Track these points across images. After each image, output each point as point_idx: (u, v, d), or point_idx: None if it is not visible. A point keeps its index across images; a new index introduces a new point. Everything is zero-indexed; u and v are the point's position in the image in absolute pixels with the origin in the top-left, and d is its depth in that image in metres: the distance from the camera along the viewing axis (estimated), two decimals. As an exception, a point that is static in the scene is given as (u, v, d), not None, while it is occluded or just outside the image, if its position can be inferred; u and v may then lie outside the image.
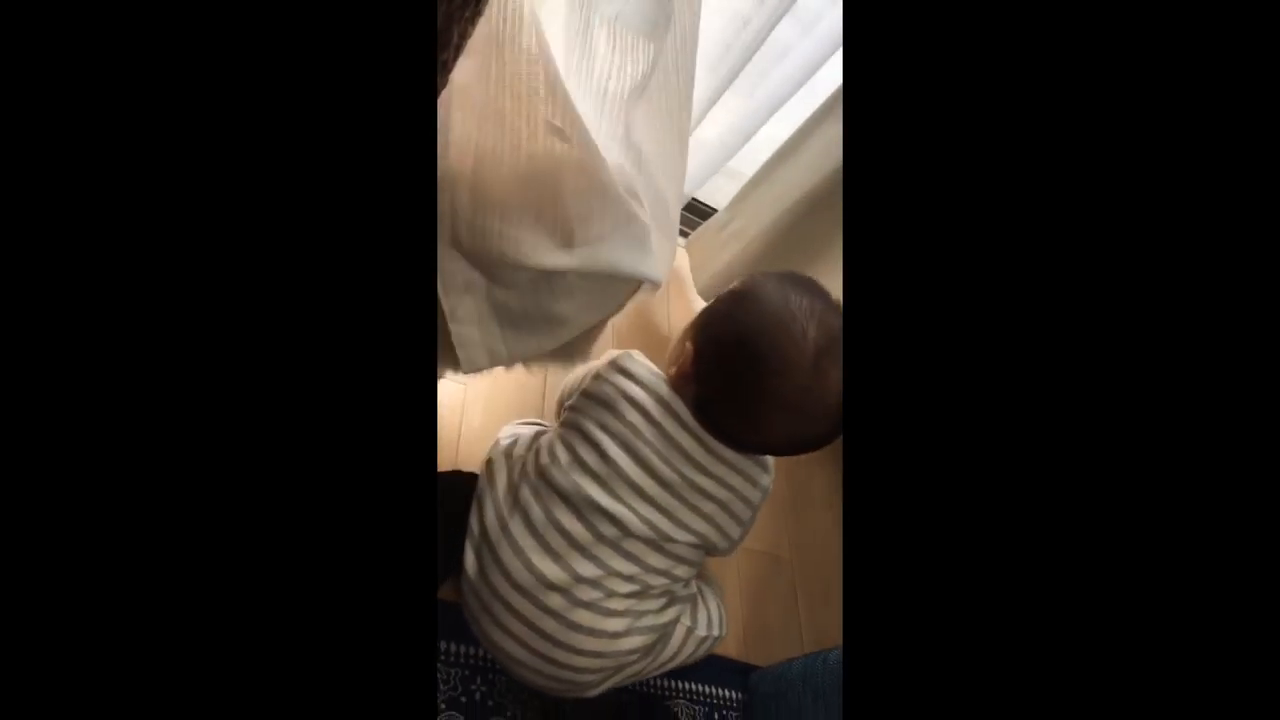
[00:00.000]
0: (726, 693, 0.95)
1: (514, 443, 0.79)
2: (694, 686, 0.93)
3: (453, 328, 0.58)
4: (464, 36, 0.42)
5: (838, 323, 0.64)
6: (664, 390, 0.72)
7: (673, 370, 0.73)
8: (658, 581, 0.72)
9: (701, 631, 0.80)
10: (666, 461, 0.70)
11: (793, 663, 0.91)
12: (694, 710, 0.91)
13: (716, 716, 0.93)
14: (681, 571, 0.74)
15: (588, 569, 0.69)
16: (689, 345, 0.71)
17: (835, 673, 0.83)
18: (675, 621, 0.77)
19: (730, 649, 0.98)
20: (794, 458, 0.74)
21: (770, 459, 0.77)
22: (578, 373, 0.85)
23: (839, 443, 0.69)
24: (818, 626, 1.09)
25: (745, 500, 0.73)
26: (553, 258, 0.53)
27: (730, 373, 0.67)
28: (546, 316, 0.63)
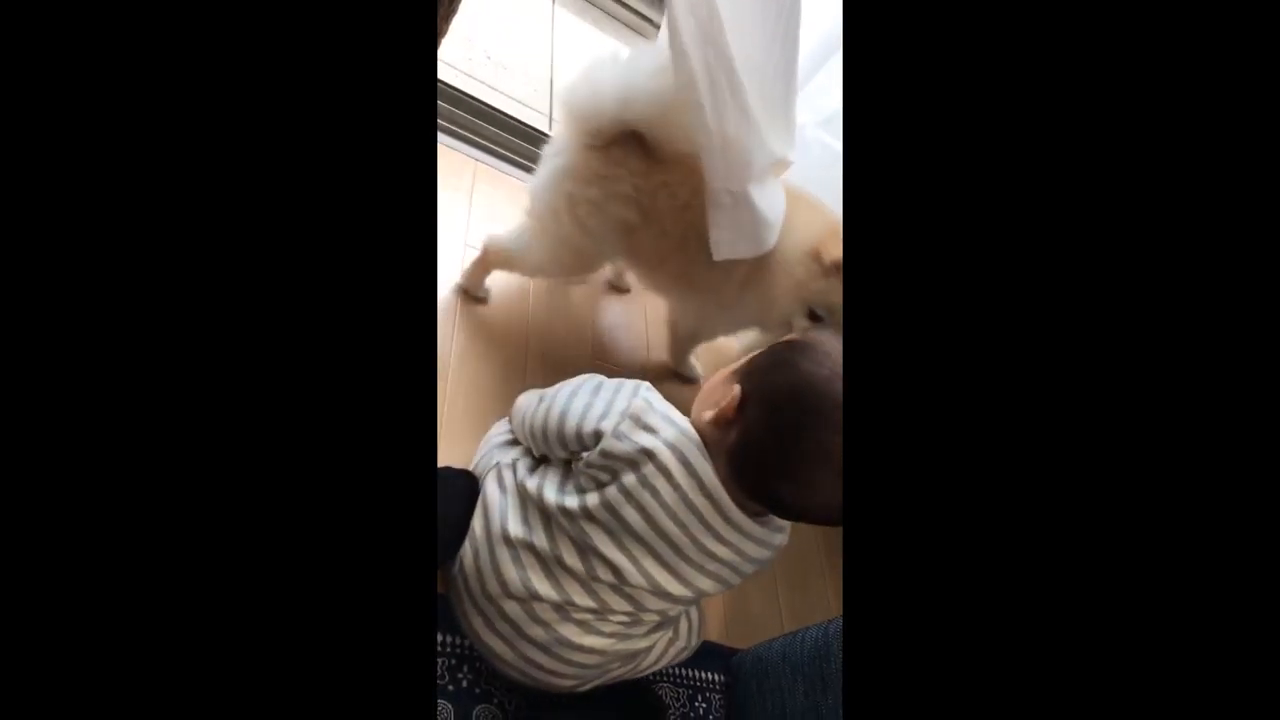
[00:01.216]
0: (709, 675, 0.97)
1: (519, 456, 0.79)
2: (677, 670, 0.95)
3: (712, 232, 0.88)
4: (440, 35, 0.43)
5: None
6: (690, 451, 0.67)
7: (709, 414, 0.68)
8: (651, 618, 0.73)
9: (681, 642, 0.83)
10: (681, 526, 0.67)
11: (773, 643, 0.93)
12: (678, 693, 0.93)
13: (700, 699, 0.95)
14: (675, 611, 0.75)
15: (584, 600, 0.70)
16: (736, 389, 0.67)
17: (813, 650, 0.85)
18: (663, 631, 0.79)
19: (712, 633, 1.01)
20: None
21: (786, 522, 0.72)
22: (530, 397, 0.81)
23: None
24: (796, 609, 1.11)
25: (754, 561, 0.71)
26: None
27: (782, 423, 0.62)
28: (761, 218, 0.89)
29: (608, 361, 1.21)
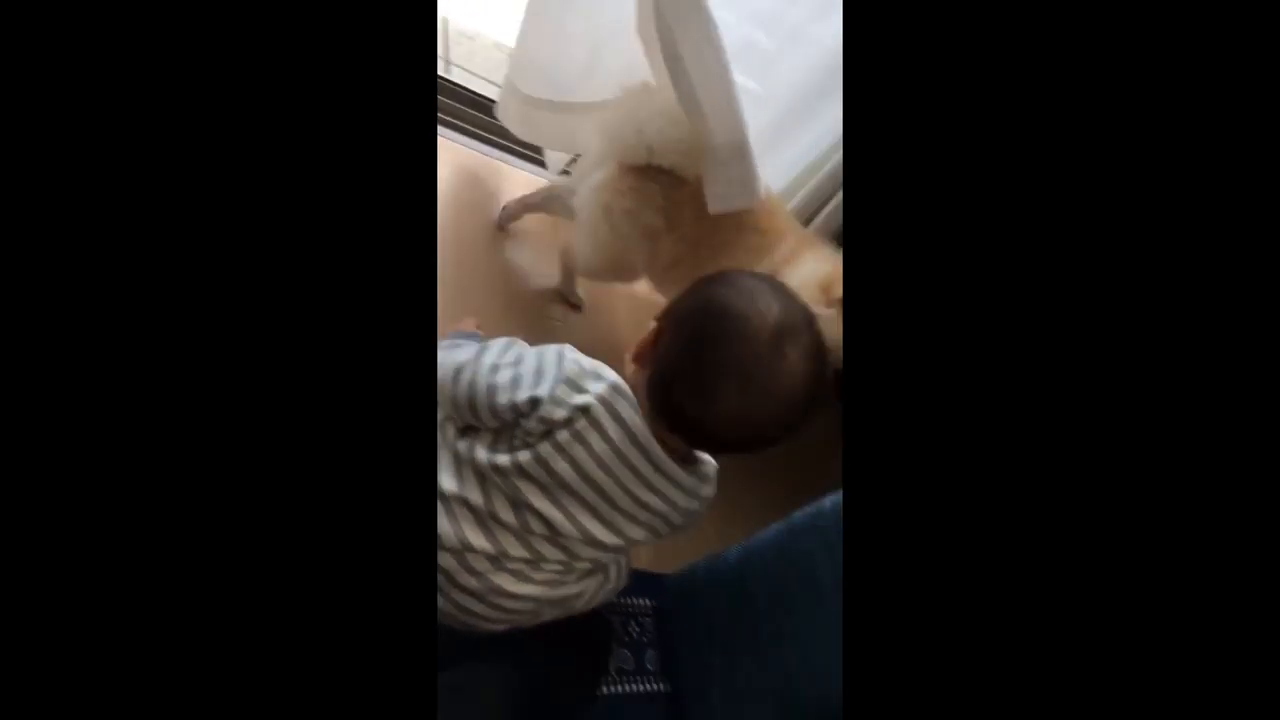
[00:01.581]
0: (640, 601, 1.02)
1: (444, 419, 0.78)
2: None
3: (708, 187, 1.00)
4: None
5: (805, 316, 0.64)
6: (619, 402, 0.69)
7: (633, 354, 0.71)
8: (583, 565, 0.75)
9: (611, 584, 0.85)
10: (613, 476, 0.68)
11: (697, 565, 0.98)
12: (612, 620, 0.97)
13: (632, 624, 0.99)
14: (608, 558, 0.77)
15: (518, 551, 0.71)
16: (655, 324, 0.70)
17: (735, 566, 0.90)
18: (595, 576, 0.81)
19: (641, 560, 1.05)
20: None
21: (713, 469, 0.76)
22: (443, 367, 0.79)
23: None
24: (722, 532, 1.17)
25: (683, 512, 0.73)
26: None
27: (689, 339, 0.65)
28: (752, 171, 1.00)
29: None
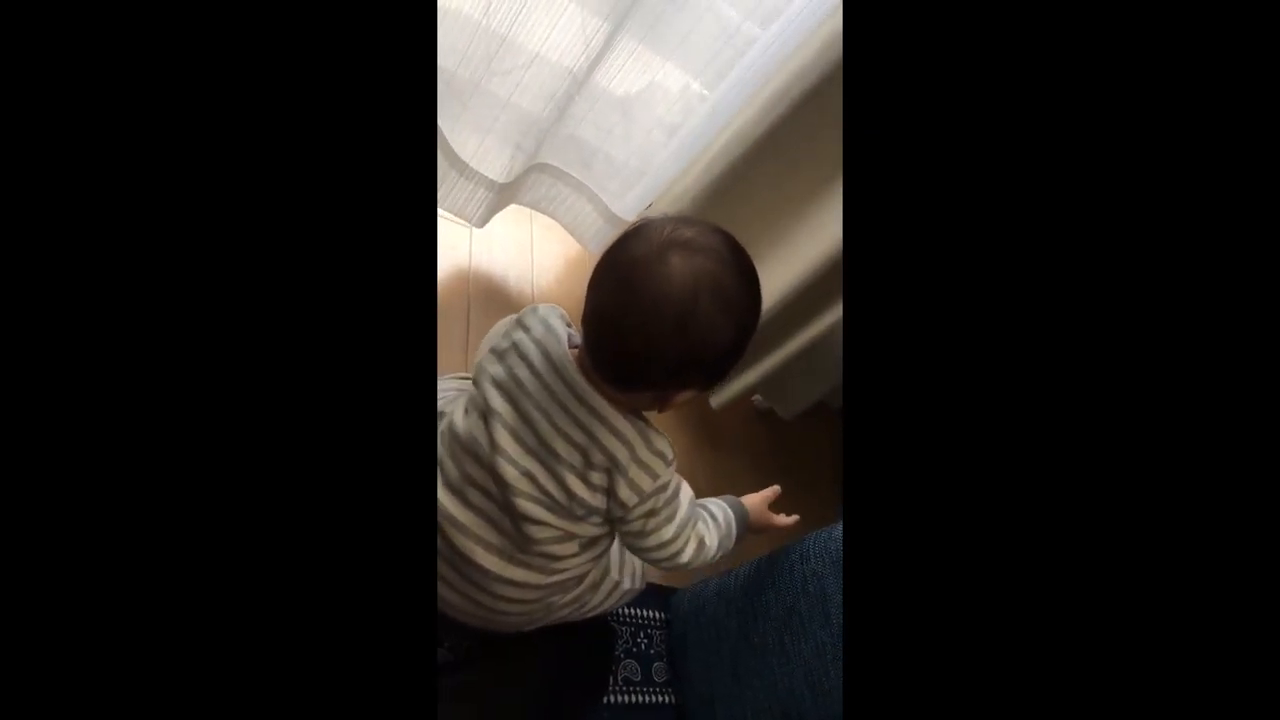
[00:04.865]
0: (650, 613, 1.03)
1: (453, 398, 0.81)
2: (621, 610, 1.00)
3: None
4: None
5: (706, 239, 0.64)
6: (551, 342, 0.71)
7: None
8: (565, 547, 0.75)
9: (626, 585, 0.87)
10: (539, 408, 0.70)
11: (709, 581, 1.00)
12: (621, 631, 0.99)
13: (641, 635, 1.01)
14: (589, 529, 0.76)
15: (496, 514, 0.72)
16: None
17: (745, 584, 0.92)
18: (597, 564, 0.82)
19: (654, 574, 1.07)
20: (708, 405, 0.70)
21: (665, 443, 0.73)
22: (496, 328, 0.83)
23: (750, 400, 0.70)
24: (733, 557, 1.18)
25: (640, 464, 0.71)
26: None
27: (597, 271, 0.67)
28: None
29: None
